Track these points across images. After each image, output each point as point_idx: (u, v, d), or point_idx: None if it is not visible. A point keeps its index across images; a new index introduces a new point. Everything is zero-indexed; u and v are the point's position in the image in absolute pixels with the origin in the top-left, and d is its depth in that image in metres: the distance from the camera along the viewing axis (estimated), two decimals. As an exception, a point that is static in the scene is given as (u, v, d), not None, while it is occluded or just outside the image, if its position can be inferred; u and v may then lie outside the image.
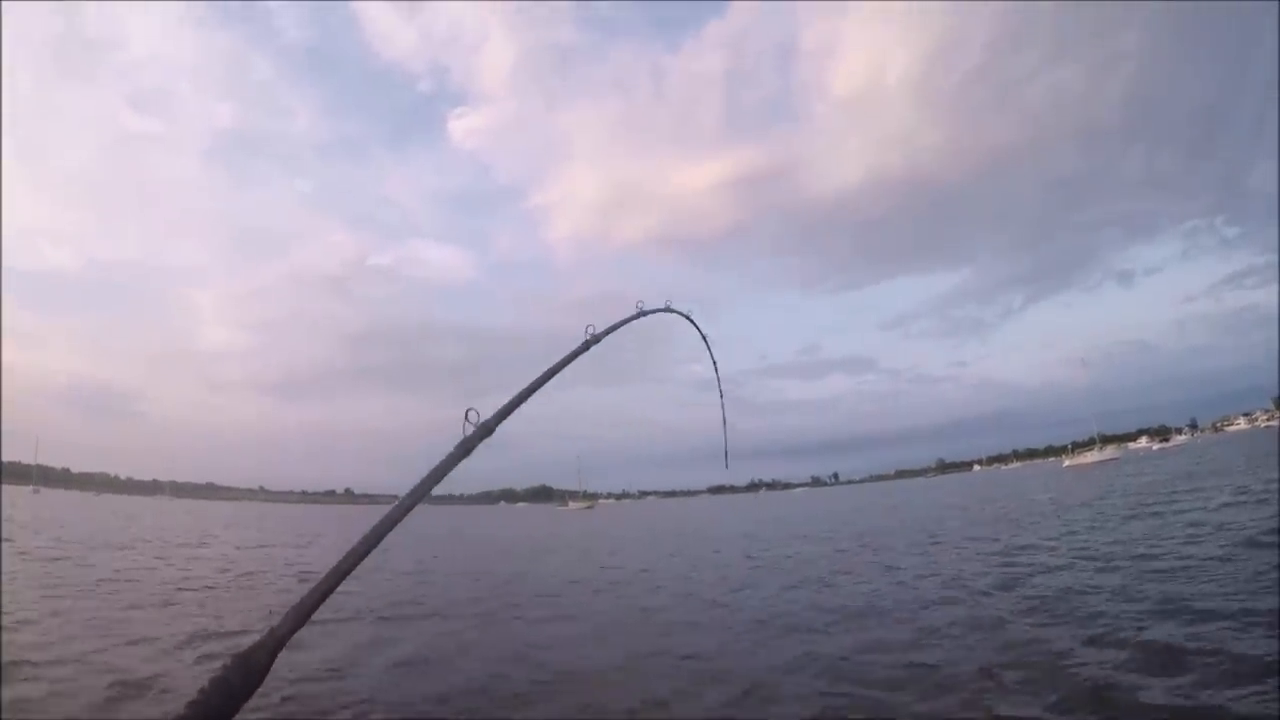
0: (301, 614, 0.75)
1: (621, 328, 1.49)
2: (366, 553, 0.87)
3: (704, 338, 2.29)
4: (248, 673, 0.66)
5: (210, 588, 14.55)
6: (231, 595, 13.67)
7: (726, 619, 10.48)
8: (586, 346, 1.42)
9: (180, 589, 13.99)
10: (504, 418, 1.09)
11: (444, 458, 1.00)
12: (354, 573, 0.90)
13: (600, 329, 1.40)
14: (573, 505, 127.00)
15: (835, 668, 7.39)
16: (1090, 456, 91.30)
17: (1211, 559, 10.68)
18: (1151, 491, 26.35)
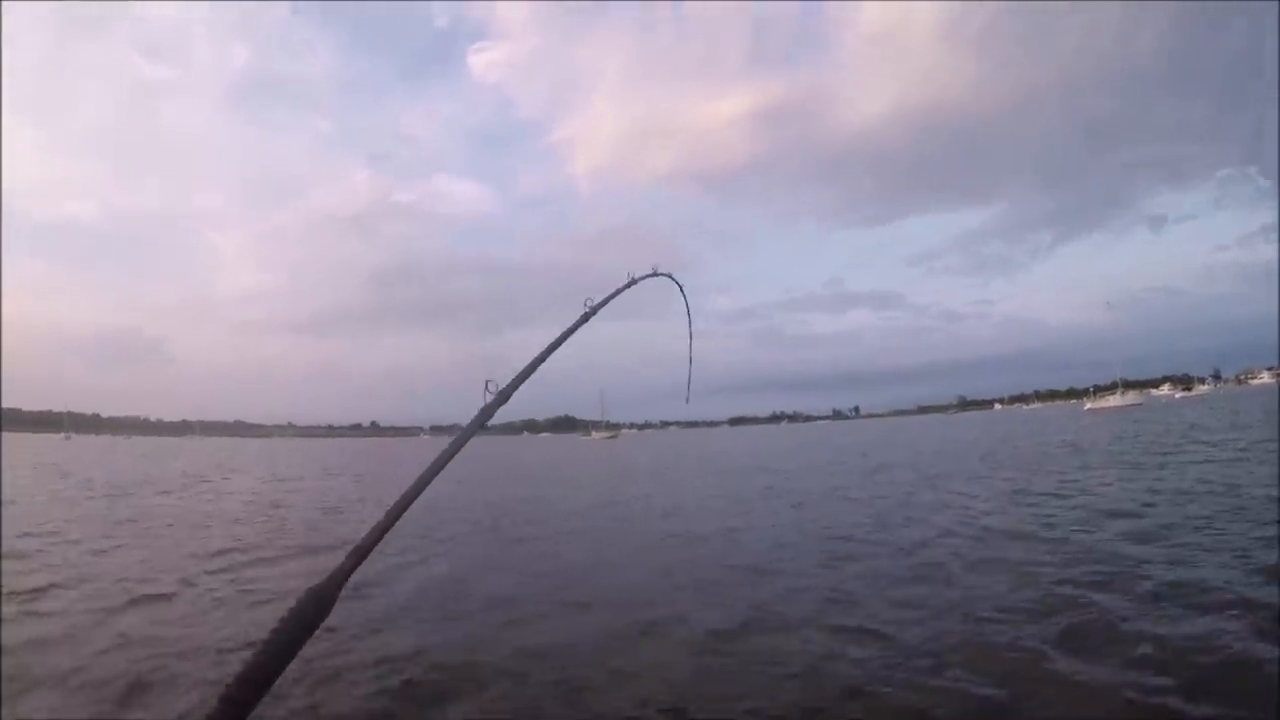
0: (360, 553, 0.86)
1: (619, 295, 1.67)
2: (408, 505, 0.96)
3: (685, 299, 2.42)
4: (320, 603, 0.78)
5: (236, 520, 15.24)
6: (254, 527, 14.32)
7: (728, 547, 10.99)
8: (585, 318, 1.55)
9: (203, 523, 14.77)
10: (517, 387, 1.22)
11: (467, 424, 1.12)
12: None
13: (596, 300, 1.54)
14: (596, 435, 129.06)
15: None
16: (1112, 401, 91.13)
17: (1208, 516, 10.56)
18: (1166, 440, 26.25)
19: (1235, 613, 6.00)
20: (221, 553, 10.92)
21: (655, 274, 1.84)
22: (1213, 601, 6.34)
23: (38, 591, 8.24)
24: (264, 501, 19.54)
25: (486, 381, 1.15)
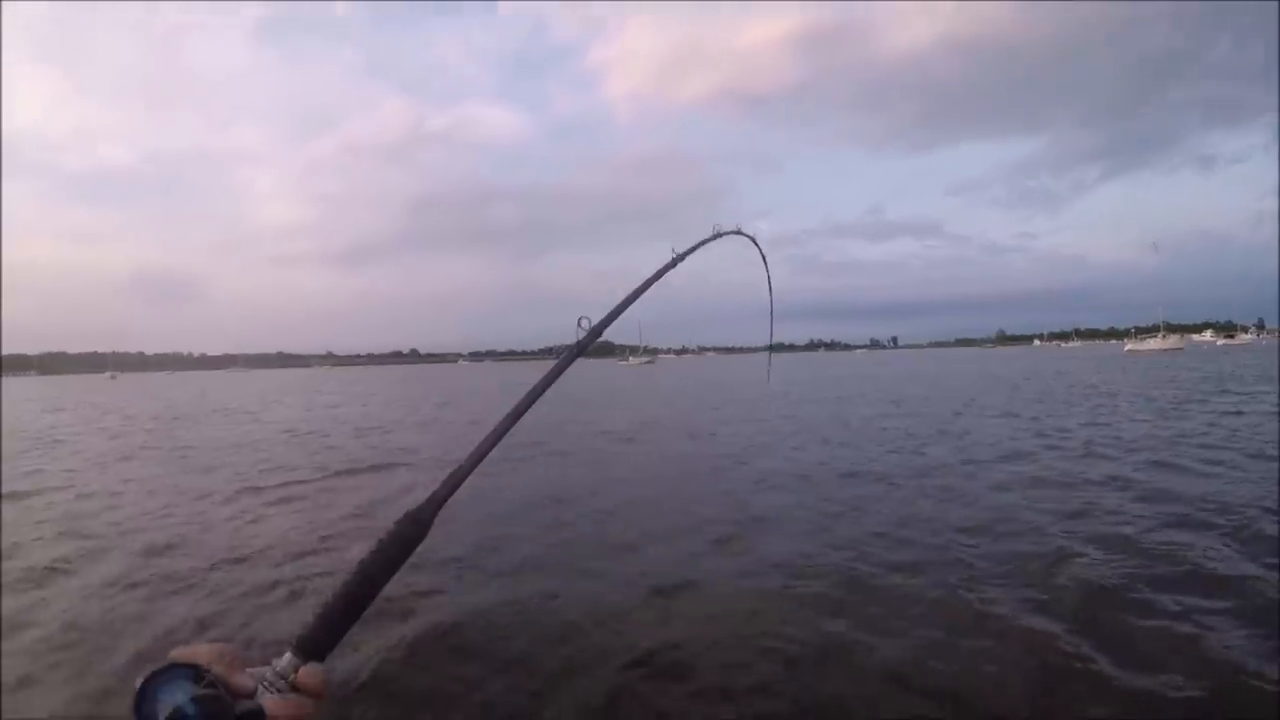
0: (456, 480, 0.86)
1: (702, 247, 1.55)
2: (502, 435, 0.95)
3: (765, 264, 2.22)
4: (416, 526, 0.79)
5: (259, 447, 16.65)
6: (283, 451, 15.79)
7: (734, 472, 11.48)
8: (673, 264, 1.46)
9: (233, 447, 16.63)
10: (608, 325, 1.19)
11: (559, 359, 1.09)
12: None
13: (682, 250, 1.45)
14: (633, 360, 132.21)
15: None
16: (1152, 344, 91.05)
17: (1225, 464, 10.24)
18: (1203, 387, 25.43)
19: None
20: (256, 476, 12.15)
21: (739, 233, 1.74)
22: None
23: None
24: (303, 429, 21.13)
25: (579, 318, 1.13)
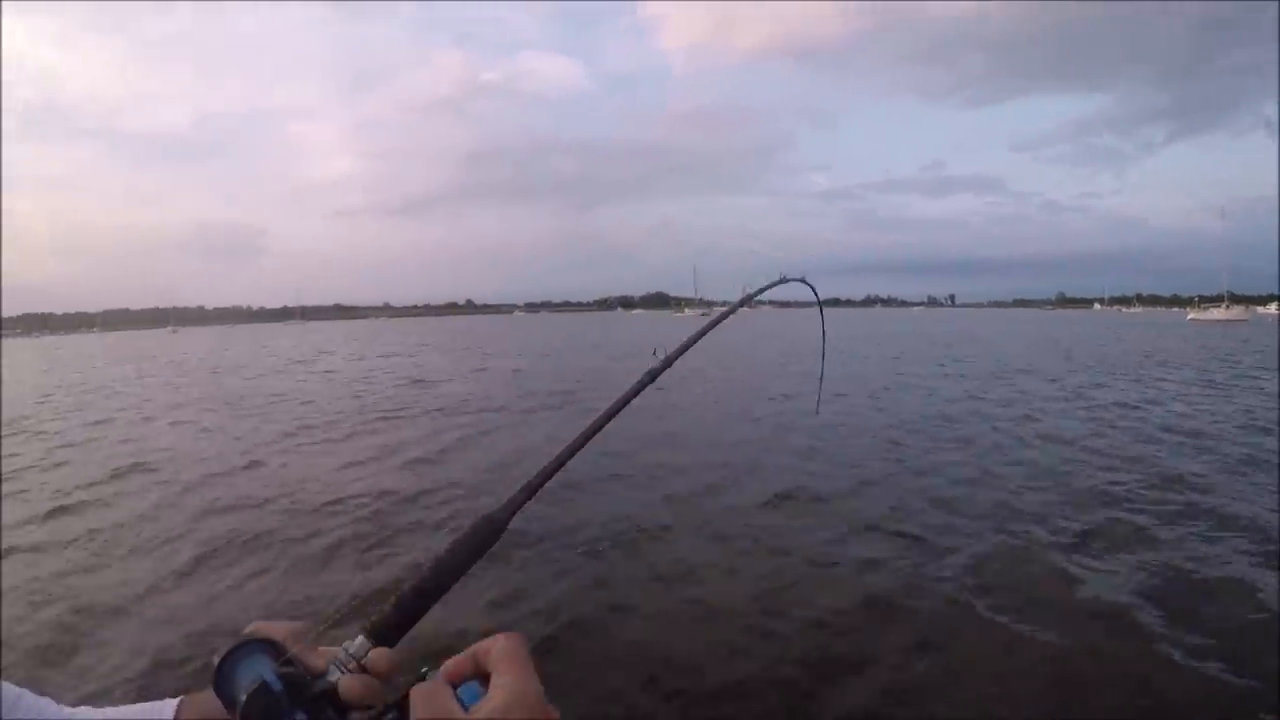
0: (532, 488, 0.85)
1: (768, 289, 1.72)
2: (583, 445, 0.95)
3: (820, 310, 2.24)
4: (492, 528, 0.79)
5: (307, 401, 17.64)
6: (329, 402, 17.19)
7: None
8: (742, 303, 1.64)
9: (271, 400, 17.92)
10: (677, 358, 1.22)
11: (632, 387, 1.08)
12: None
13: (751, 289, 1.63)
14: (688, 312, 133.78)
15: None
16: (1216, 313, 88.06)
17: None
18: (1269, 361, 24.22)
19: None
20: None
21: (803, 281, 1.84)
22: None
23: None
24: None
25: (654, 349, 1.23)
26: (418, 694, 0.56)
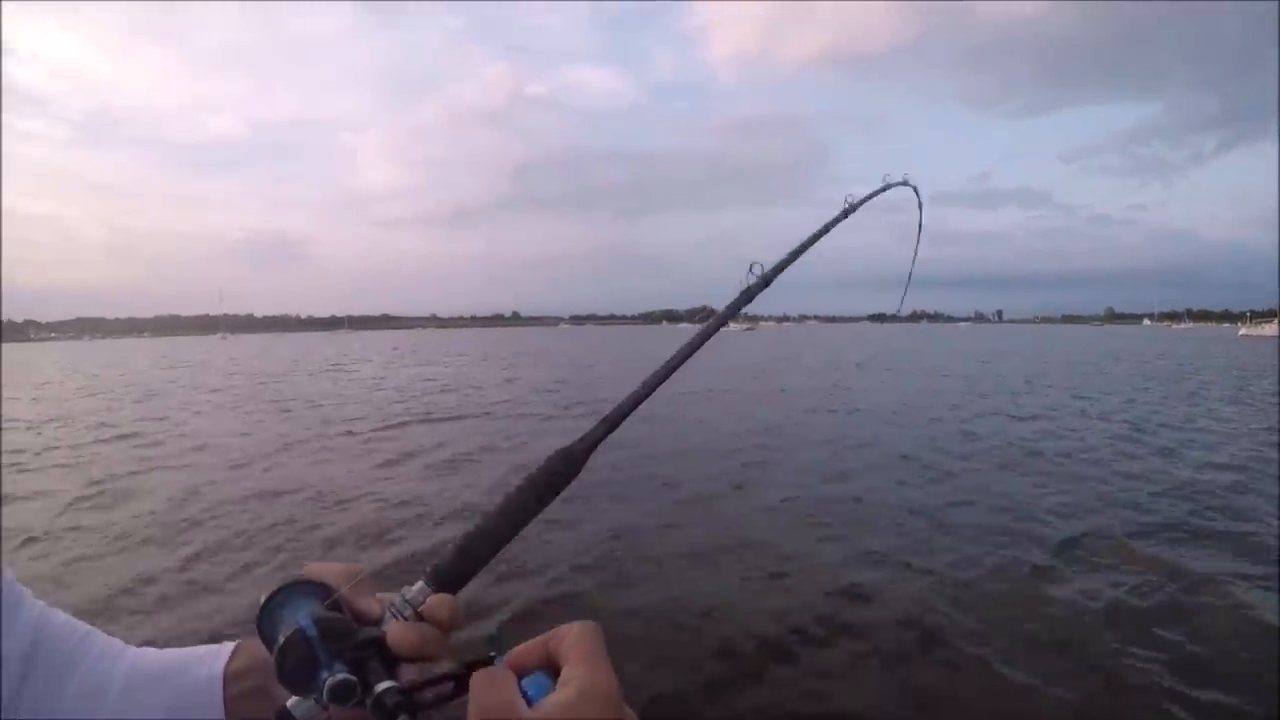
0: (612, 421, 0.80)
1: (873, 198, 1.45)
2: (661, 380, 0.88)
3: (920, 210, 1.85)
4: (569, 463, 0.74)
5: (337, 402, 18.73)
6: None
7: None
8: (846, 214, 1.33)
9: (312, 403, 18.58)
10: (779, 273, 1.10)
11: (725, 308, 1.02)
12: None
13: (856, 199, 1.34)
14: (734, 327, 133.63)
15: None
16: (1268, 329, 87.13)
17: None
18: None
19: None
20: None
21: (905, 183, 1.61)
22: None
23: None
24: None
25: (751, 264, 1.06)
26: (479, 680, 0.50)
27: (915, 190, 1.78)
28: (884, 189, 1.57)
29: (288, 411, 16.31)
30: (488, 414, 15.09)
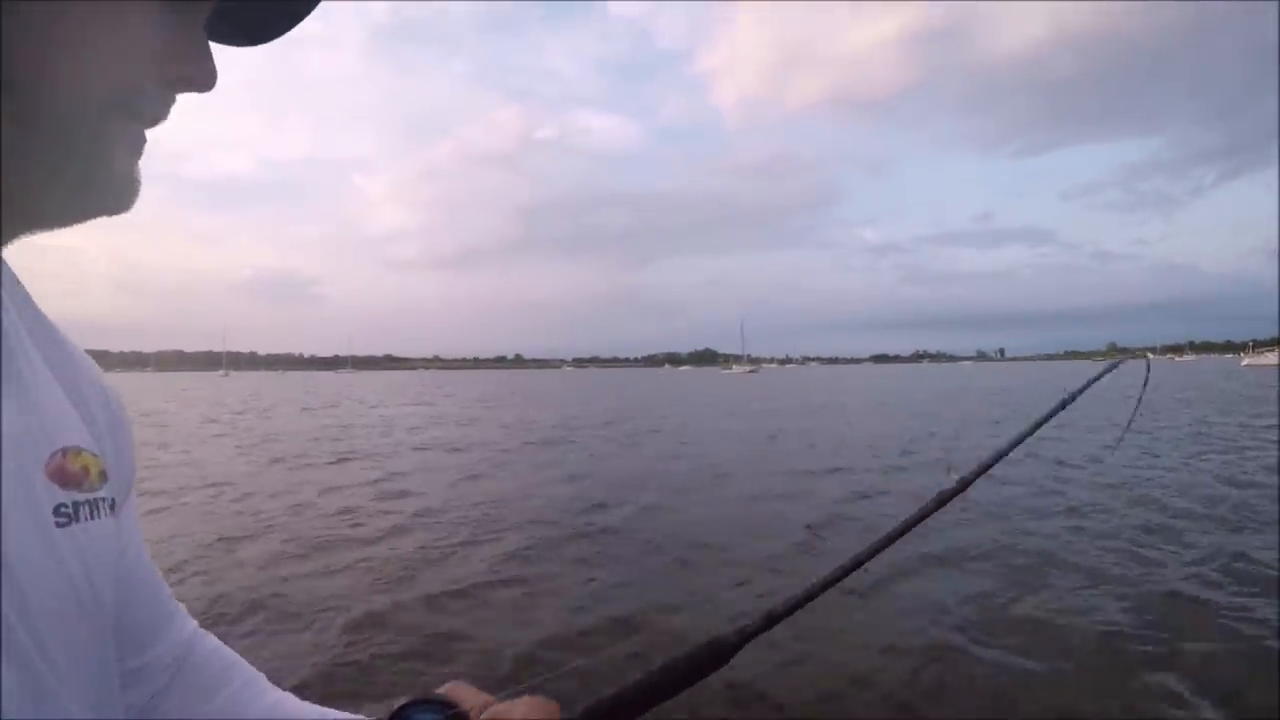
0: (770, 619, 0.74)
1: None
2: (871, 556, 0.83)
3: (1144, 387, 1.50)
4: (714, 656, 0.71)
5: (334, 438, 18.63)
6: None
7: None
8: (1063, 405, 1.15)
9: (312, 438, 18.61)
10: (974, 480, 0.93)
11: (921, 508, 0.88)
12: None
13: (1072, 389, 1.16)
14: (736, 369, 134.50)
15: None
16: (1271, 358, 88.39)
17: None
18: None
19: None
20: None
21: (1142, 355, 1.45)
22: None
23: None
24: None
25: (948, 468, 0.96)
26: None
27: (1148, 363, 1.58)
28: (1111, 369, 1.39)
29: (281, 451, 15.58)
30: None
